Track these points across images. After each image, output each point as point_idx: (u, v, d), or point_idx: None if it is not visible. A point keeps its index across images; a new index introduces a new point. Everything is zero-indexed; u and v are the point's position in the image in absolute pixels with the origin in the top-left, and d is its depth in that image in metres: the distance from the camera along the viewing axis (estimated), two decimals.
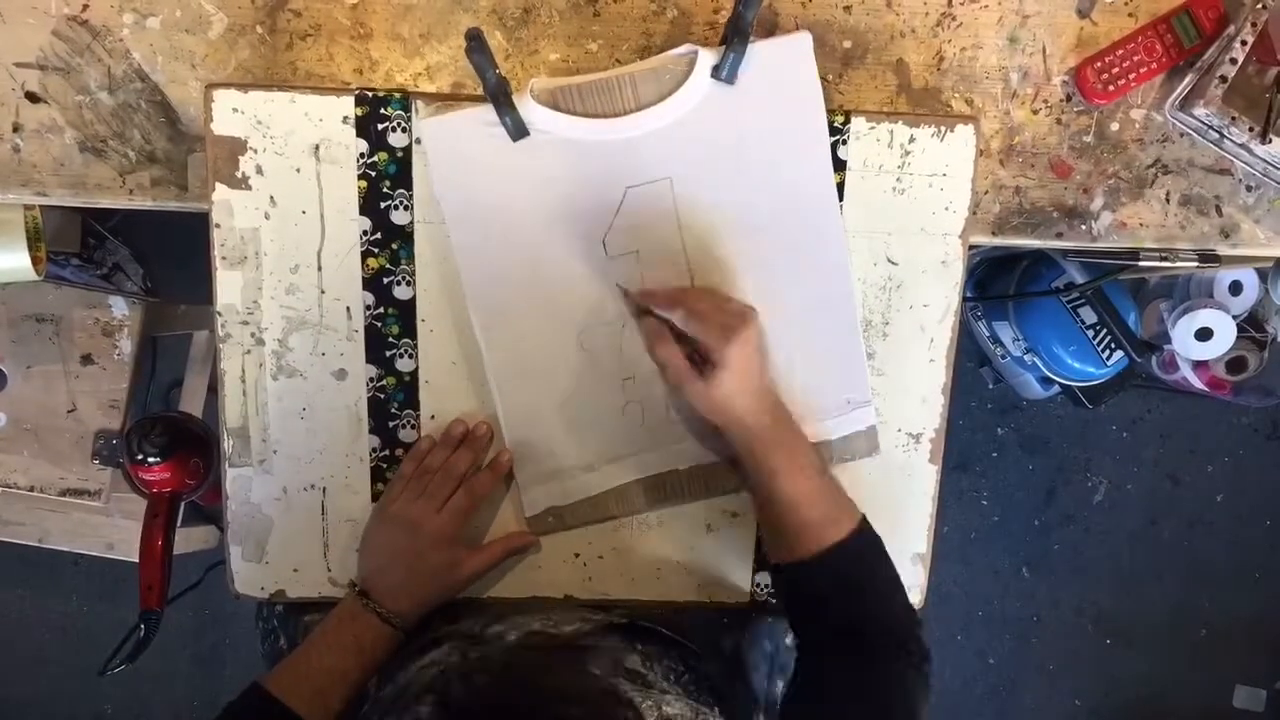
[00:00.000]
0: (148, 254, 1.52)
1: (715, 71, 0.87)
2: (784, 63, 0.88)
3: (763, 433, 0.81)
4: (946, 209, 0.93)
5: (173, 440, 1.09)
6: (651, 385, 0.92)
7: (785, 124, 0.89)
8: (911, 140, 0.91)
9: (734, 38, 0.85)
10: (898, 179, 0.92)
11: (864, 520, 0.83)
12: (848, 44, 0.94)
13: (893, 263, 0.94)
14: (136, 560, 1.09)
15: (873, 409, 0.96)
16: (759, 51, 0.87)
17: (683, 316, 0.81)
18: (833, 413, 0.94)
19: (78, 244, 1.31)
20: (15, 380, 1.31)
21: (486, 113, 0.85)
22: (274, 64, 0.91)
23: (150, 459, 1.09)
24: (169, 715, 1.97)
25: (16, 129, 0.91)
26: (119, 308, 1.32)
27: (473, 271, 0.89)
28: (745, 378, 0.80)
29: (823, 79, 0.94)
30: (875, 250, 0.93)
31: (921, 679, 0.78)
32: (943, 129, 0.91)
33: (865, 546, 0.82)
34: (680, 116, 0.88)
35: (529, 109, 0.85)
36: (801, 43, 0.88)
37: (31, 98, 0.90)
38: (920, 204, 0.93)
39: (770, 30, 0.93)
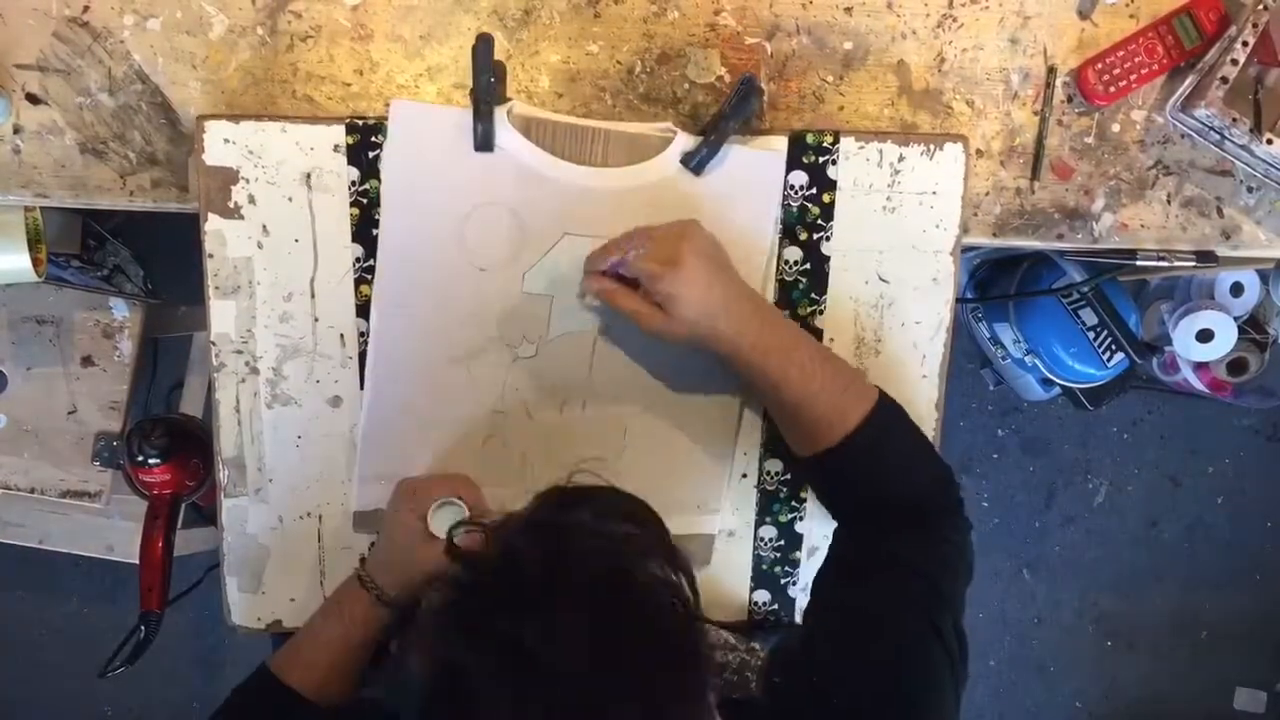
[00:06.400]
0: (148, 255, 1.52)
1: (685, 159, 0.88)
2: (752, 174, 0.89)
3: (749, 341, 0.80)
4: (937, 226, 0.93)
5: (173, 442, 1.09)
6: (518, 427, 0.92)
7: (734, 233, 0.89)
8: (901, 159, 0.92)
9: (712, 134, 0.86)
10: (888, 198, 0.92)
11: (881, 395, 0.81)
12: (848, 45, 0.94)
13: (884, 281, 0.94)
14: (137, 562, 1.09)
15: (718, 520, 0.96)
16: (733, 154, 0.88)
17: (629, 259, 0.80)
18: (679, 511, 0.95)
19: (78, 245, 1.31)
20: (16, 382, 1.31)
21: (460, 115, 0.86)
22: (274, 65, 0.91)
23: (151, 461, 1.08)
24: (169, 716, 1.97)
25: (17, 130, 0.91)
26: (119, 309, 1.32)
27: (389, 256, 0.89)
28: (706, 290, 0.78)
29: (823, 81, 0.94)
30: (866, 268, 0.93)
31: (957, 546, 0.78)
32: (932, 147, 0.92)
33: (884, 423, 0.81)
34: (638, 186, 0.89)
35: (501, 126, 0.86)
36: (775, 162, 0.89)
37: (32, 99, 0.90)
38: (911, 222, 0.93)
39: (770, 33, 0.93)
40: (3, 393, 1.31)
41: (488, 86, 0.83)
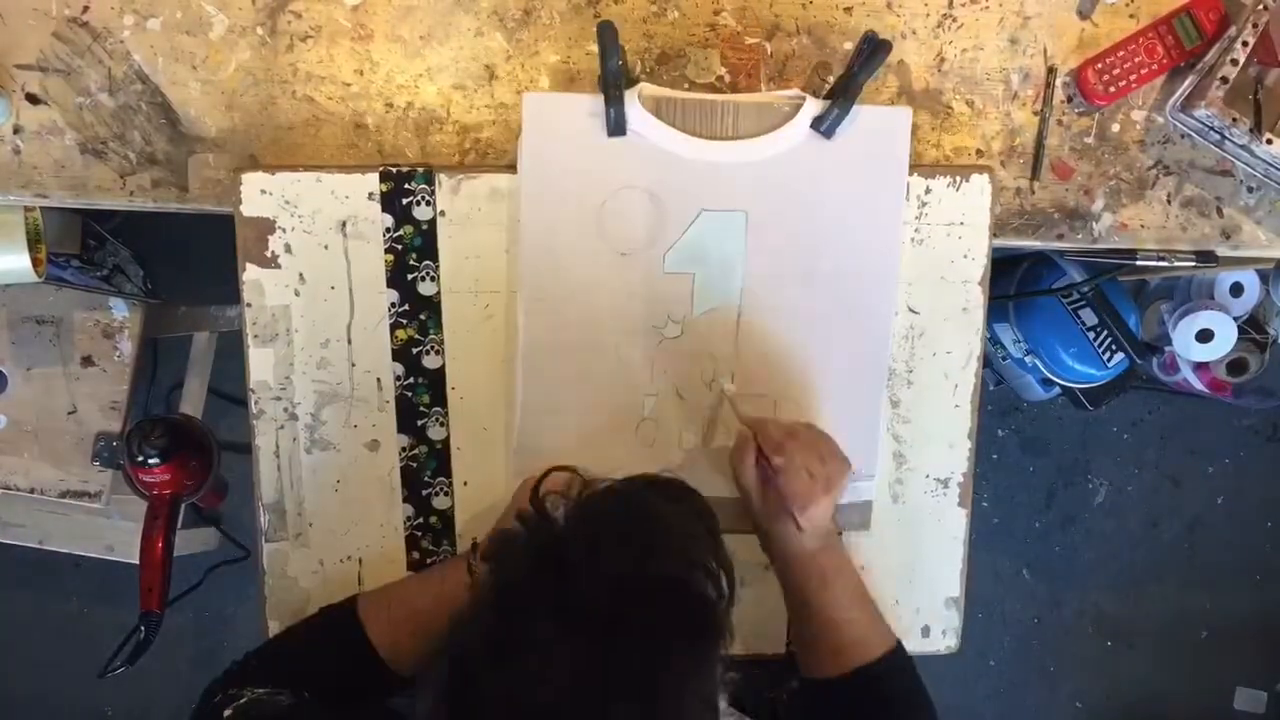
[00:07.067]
0: (148, 255, 1.52)
1: (816, 123, 0.88)
2: (880, 131, 0.90)
3: (810, 557, 0.83)
4: (965, 257, 0.94)
5: (173, 442, 1.09)
6: (670, 408, 0.92)
7: (867, 190, 0.91)
8: (928, 191, 0.93)
9: (840, 97, 0.87)
10: (916, 229, 0.93)
11: (898, 644, 0.84)
12: (848, 46, 0.94)
13: (914, 311, 0.95)
14: (137, 562, 1.09)
15: (874, 485, 0.96)
16: (860, 114, 0.89)
17: (781, 466, 0.81)
18: None
19: (78, 245, 1.31)
20: (16, 382, 1.31)
21: (590, 102, 0.86)
22: (274, 65, 0.91)
23: (150, 461, 1.08)
24: (169, 717, 1.97)
25: (17, 130, 0.91)
26: (119, 309, 1.32)
27: (532, 250, 0.89)
28: (816, 528, 0.81)
29: (823, 82, 0.94)
30: (897, 299, 0.94)
31: None
32: (958, 179, 0.93)
33: (896, 668, 0.83)
34: (772, 156, 0.89)
35: (632, 109, 0.86)
36: (902, 117, 0.90)
37: (32, 99, 0.90)
38: (939, 253, 0.94)
39: (770, 33, 0.93)
40: (3, 393, 1.31)
41: (617, 71, 0.83)
